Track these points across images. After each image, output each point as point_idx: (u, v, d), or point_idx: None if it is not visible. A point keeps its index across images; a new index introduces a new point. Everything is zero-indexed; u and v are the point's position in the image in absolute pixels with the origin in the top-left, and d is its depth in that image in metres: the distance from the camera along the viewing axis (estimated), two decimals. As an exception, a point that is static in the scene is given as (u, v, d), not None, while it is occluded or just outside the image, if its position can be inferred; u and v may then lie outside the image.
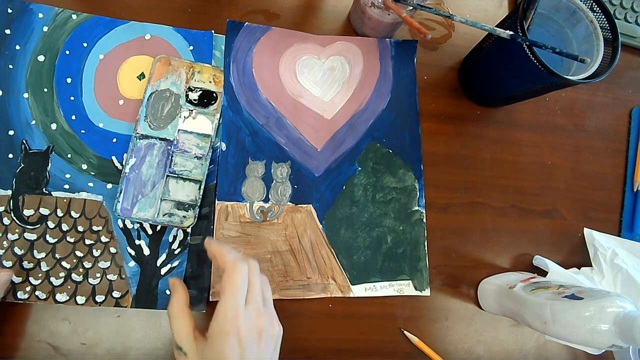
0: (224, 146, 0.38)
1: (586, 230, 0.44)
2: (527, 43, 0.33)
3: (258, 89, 0.39)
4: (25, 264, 0.34)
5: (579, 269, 0.42)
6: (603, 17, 0.36)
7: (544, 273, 0.40)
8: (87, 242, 0.35)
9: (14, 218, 0.34)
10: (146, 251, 0.35)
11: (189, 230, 0.36)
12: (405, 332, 0.39)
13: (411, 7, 0.36)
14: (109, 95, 0.37)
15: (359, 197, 0.39)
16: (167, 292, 0.34)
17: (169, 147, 0.37)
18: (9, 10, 0.36)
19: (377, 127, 0.41)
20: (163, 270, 0.35)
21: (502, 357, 0.41)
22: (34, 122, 0.35)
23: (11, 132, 0.35)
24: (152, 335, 0.35)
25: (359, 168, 0.40)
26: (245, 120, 0.39)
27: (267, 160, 0.38)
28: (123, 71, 0.37)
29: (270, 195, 0.38)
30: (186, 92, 0.38)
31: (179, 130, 0.37)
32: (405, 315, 0.39)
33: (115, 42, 0.38)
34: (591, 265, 0.42)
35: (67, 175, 0.35)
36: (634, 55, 0.49)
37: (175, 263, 0.35)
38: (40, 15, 0.36)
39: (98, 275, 0.34)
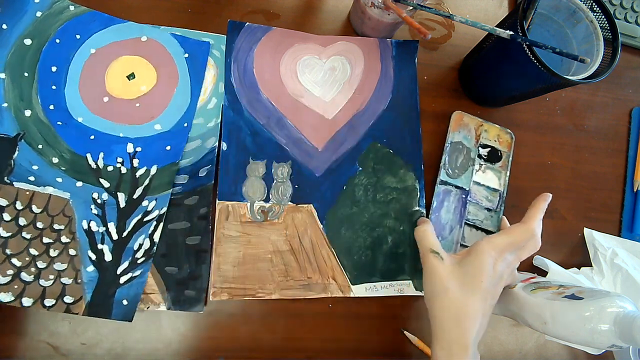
0: (224, 146, 0.38)
1: (586, 230, 0.44)
2: (527, 43, 0.33)
3: (259, 89, 0.39)
4: None
5: (579, 269, 0.42)
6: (603, 17, 0.36)
7: (544, 273, 0.40)
8: (45, 240, 0.33)
9: None
10: (108, 257, 0.33)
11: (155, 239, 0.34)
12: (405, 332, 0.39)
13: (411, 7, 0.36)
14: (94, 90, 0.36)
15: (359, 197, 0.39)
16: (125, 302, 0.33)
17: (464, 196, 0.39)
18: None
19: (377, 127, 0.41)
20: (123, 279, 0.33)
21: (502, 357, 0.41)
22: (5, 104, 0.34)
23: None
24: (152, 335, 0.35)
25: (360, 168, 0.40)
26: (246, 120, 0.39)
27: (267, 160, 0.38)
28: (113, 68, 0.37)
29: (271, 195, 0.38)
30: (477, 147, 0.41)
31: (472, 181, 0.41)
32: (405, 315, 0.39)
33: (110, 39, 0.37)
34: (591, 265, 0.42)
35: (35, 167, 0.33)
36: (634, 55, 0.49)
37: (137, 272, 0.34)
38: (36, 0, 0.36)
39: (51, 277, 0.32)
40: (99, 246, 0.34)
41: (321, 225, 0.38)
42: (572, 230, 0.45)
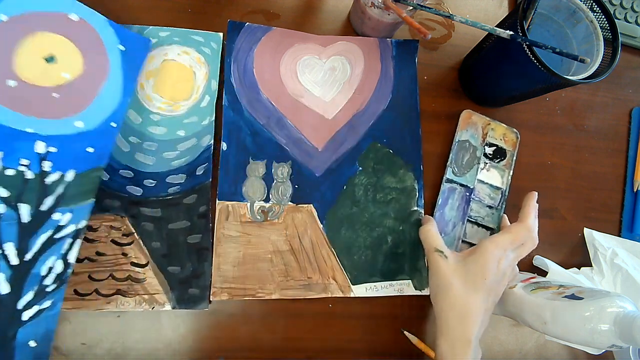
0: (224, 146, 0.38)
1: (586, 230, 0.44)
2: (527, 43, 0.33)
3: (259, 89, 0.40)
4: None
5: (579, 269, 0.42)
6: (603, 17, 0.36)
7: (544, 273, 0.40)
8: None
9: None
10: (4, 288, 0.26)
11: (71, 260, 0.28)
12: (405, 332, 0.39)
13: (411, 7, 0.36)
14: None
15: (359, 197, 0.39)
16: (32, 343, 0.26)
17: (467, 194, 0.39)
18: None
19: (377, 127, 0.41)
20: (26, 315, 0.26)
21: (502, 357, 0.41)
22: None
23: None
24: (152, 335, 0.35)
25: (360, 168, 0.40)
26: (246, 120, 0.39)
27: (267, 160, 0.38)
28: (27, 45, 0.30)
29: (270, 195, 0.38)
30: (483, 146, 0.41)
31: (477, 179, 0.41)
32: (405, 315, 0.39)
33: (28, 7, 0.30)
34: (591, 265, 0.42)
35: None
36: (634, 55, 0.49)
37: (46, 303, 0.27)
38: None
39: None
40: None
41: (321, 225, 0.38)
42: (572, 230, 0.45)
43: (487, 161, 0.43)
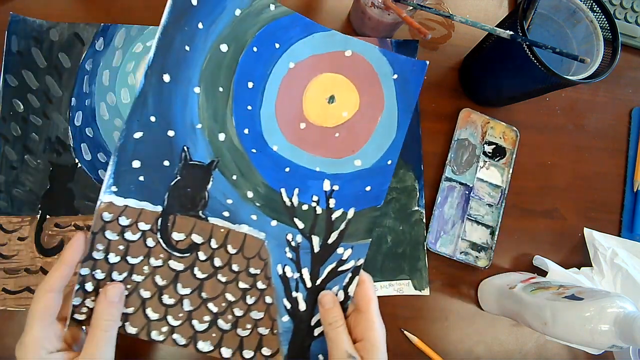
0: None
1: (586, 230, 0.44)
2: (527, 43, 0.33)
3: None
4: (166, 299, 0.28)
5: (579, 269, 0.42)
6: (603, 17, 0.36)
7: (544, 273, 0.40)
8: (241, 285, 0.29)
9: (160, 240, 0.28)
10: (302, 306, 0.30)
11: (350, 293, 0.30)
12: (405, 332, 0.39)
13: (411, 7, 0.36)
14: (290, 114, 0.30)
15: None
16: (320, 357, 0.29)
17: (467, 192, 0.39)
18: None
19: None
20: (317, 331, 0.30)
21: (502, 357, 0.41)
22: (199, 126, 0.28)
23: (171, 133, 0.28)
24: (152, 335, 0.35)
25: (360, 168, 0.40)
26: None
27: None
28: (312, 89, 0.31)
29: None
30: (483, 144, 0.40)
31: (476, 178, 0.41)
32: (405, 315, 0.39)
33: (310, 51, 0.31)
34: (591, 265, 0.42)
35: (229, 201, 0.29)
36: (634, 55, 0.49)
37: None
38: None
39: (249, 326, 0.29)
40: (294, 294, 0.30)
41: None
42: (572, 230, 0.45)
43: (487, 159, 0.43)
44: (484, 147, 0.43)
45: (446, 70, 0.45)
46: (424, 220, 0.41)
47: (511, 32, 0.33)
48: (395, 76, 0.32)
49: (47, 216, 0.35)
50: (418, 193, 0.41)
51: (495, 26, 0.35)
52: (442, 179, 0.41)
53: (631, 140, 0.48)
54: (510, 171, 0.43)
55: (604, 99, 0.48)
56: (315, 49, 0.31)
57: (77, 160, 0.35)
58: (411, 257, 0.40)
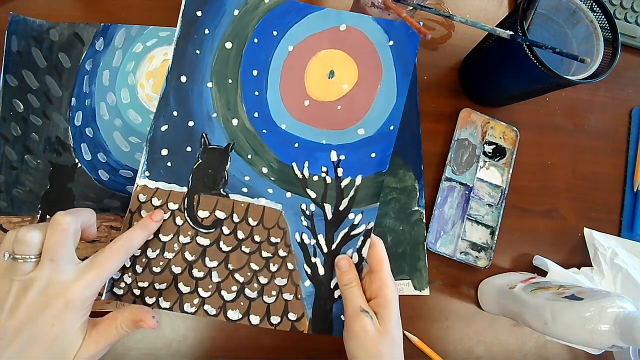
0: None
1: (586, 230, 0.44)
2: (527, 43, 0.33)
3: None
4: (196, 272, 0.31)
5: (579, 269, 0.42)
6: (603, 17, 0.36)
7: (544, 273, 0.40)
8: (264, 254, 0.32)
9: (188, 219, 0.31)
10: (321, 270, 0.32)
11: (364, 254, 0.32)
12: (405, 332, 0.39)
13: (411, 7, 0.36)
14: (294, 94, 0.33)
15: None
16: (342, 317, 0.31)
17: (467, 192, 0.39)
18: None
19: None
20: (337, 293, 0.32)
21: (502, 357, 0.41)
22: (215, 115, 0.32)
23: (191, 123, 0.32)
24: (152, 335, 0.35)
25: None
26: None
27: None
28: (312, 67, 0.33)
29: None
30: (483, 144, 0.40)
31: (476, 178, 0.41)
32: (405, 315, 0.39)
33: (306, 32, 0.33)
34: (591, 265, 0.42)
35: (247, 178, 0.32)
36: (634, 55, 0.49)
37: None
38: None
39: (274, 293, 0.31)
40: (313, 259, 0.32)
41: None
42: (572, 230, 0.45)
43: (487, 159, 0.43)
44: (484, 147, 0.43)
45: (446, 70, 0.45)
46: (424, 220, 0.41)
47: (511, 32, 0.33)
48: (391, 42, 0.33)
49: (47, 216, 0.35)
50: (418, 193, 0.41)
51: (495, 26, 0.35)
52: (442, 179, 0.41)
53: (631, 140, 0.48)
54: (510, 171, 0.43)
55: (604, 99, 0.48)
56: (311, 29, 0.33)
57: (77, 160, 0.35)
58: (411, 257, 0.40)
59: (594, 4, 0.36)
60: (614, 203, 0.46)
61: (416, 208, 0.41)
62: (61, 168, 0.35)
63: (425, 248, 0.40)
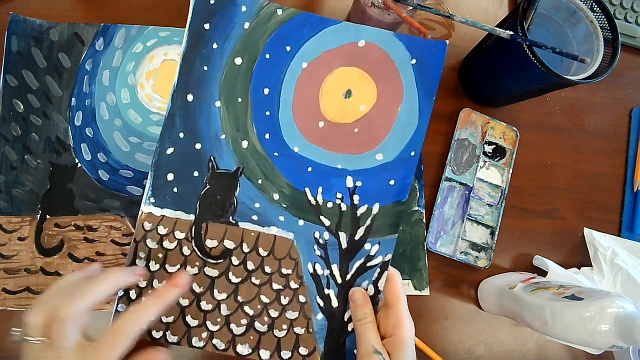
0: None
1: (586, 230, 0.44)
2: (527, 43, 0.33)
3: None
4: (204, 305, 0.29)
5: (579, 269, 0.42)
6: (603, 17, 0.36)
7: (544, 273, 0.40)
8: (275, 286, 0.30)
9: (195, 248, 0.30)
10: (334, 302, 0.30)
11: (380, 287, 0.30)
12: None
13: (411, 7, 0.36)
14: (308, 114, 0.31)
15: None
16: (356, 352, 0.30)
17: (467, 192, 0.39)
18: (211, 1, 0.30)
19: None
20: (350, 326, 0.30)
21: (502, 357, 0.41)
22: (223, 136, 0.30)
23: (198, 146, 0.30)
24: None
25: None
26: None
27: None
28: (327, 86, 0.31)
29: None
30: (483, 144, 0.40)
31: (476, 178, 0.41)
32: (405, 315, 0.39)
33: (322, 48, 0.31)
34: (591, 265, 0.42)
35: (257, 205, 0.30)
36: (634, 55, 0.49)
37: None
38: (244, 9, 0.30)
39: (285, 326, 0.30)
40: (326, 291, 0.30)
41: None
42: (572, 230, 0.45)
43: (487, 159, 0.43)
44: (484, 147, 0.43)
45: (446, 70, 0.45)
46: (424, 220, 0.41)
47: (511, 32, 0.33)
48: (414, 61, 0.31)
49: (47, 216, 0.35)
50: (418, 193, 0.41)
51: (495, 26, 0.35)
52: (442, 179, 0.41)
53: (631, 140, 0.48)
54: (510, 171, 0.43)
55: (604, 99, 0.48)
56: (327, 45, 0.31)
57: (77, 160, 0.35)
58: (411, 257, 0.40)
59: (594, 4, 0.36)
60: (614, 203, 0.46)
61: (416, 208, 0.41)
62: (61, 168, 0.35)
63: (425, 248, 0.40)
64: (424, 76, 0.31)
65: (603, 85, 0.48)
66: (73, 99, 0.36)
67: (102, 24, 0.37)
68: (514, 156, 0.43)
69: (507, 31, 0.33)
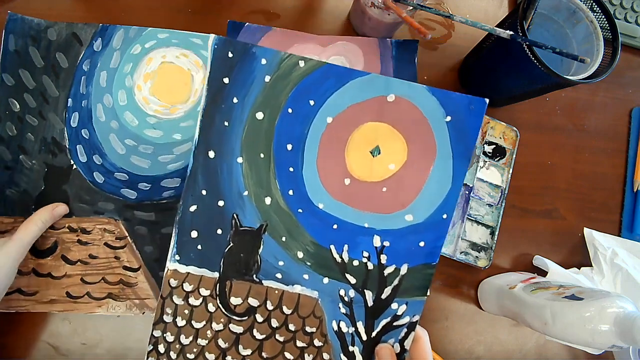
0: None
1: (586, 230, 0.44)
2: (527, 43, 0.33)
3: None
4: None
5: (579, 269, 0.42)
6: (603, 17, 0.36)
7: (544, 273, 0.40)
8: (299, 344, 0.30)
9: (220, 305, 0.30)
10: (359, 359, 0.31)
11: (407, 346, 0.30)
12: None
13: (411, 7, 0.36)
14: (333, 171, 0.30)
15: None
16: None
17: (467, 192, 0.38)
18: (230, 55, 0.30)
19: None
20: None
21: (502, 357, 0.41)
22: (246, 193, 0.30)
23: (221, 203, 0.30)
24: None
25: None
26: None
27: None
28: (354, 142, 0.30)
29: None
30: (483, 144, 0.39)
31: (476, 178, 0.40)
32: (405, 315, 0.39)
33: (348, 102, 0.30)
34: (591, 265, 0.42)
35: (281, 263, 0.31)
36: (634, 55, 0.49)
37: None
38: (263, 62, 0.30)
39: None
40: (350, 348, 0.30)
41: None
42: (572, 230, 0.45)
43: (487, 159, 0.43)
44: (484, 147, 0.43)
45: (446, 70, 0.45)
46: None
47: (511, 32, 0.33)
48: (449, 118, 0.29)
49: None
50: (418, 193, 0.41)
51: (495, 26, 0.35)
52: None
53: (631, 140, 0.48)
54: (510, 171, 0.43)
55: (604, 99, 0.48)
56: (353, 98, 0.30)
57: (72, 162, 0.35)
58: (411, 258, 0.40)
59: (594, 4, 0.36)
60: (614, 203, 0.46)
61: (416, 208, 0.40)
62: (56, 169, 0.35)
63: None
64: (460, 135, 0.29)
65: (603, 85, 0.48)
66: (70, 99, 0.36)
67: (100, 24, 0.37)
68: (514, 156, 0.43)
69: (507, 31, 0.33)
